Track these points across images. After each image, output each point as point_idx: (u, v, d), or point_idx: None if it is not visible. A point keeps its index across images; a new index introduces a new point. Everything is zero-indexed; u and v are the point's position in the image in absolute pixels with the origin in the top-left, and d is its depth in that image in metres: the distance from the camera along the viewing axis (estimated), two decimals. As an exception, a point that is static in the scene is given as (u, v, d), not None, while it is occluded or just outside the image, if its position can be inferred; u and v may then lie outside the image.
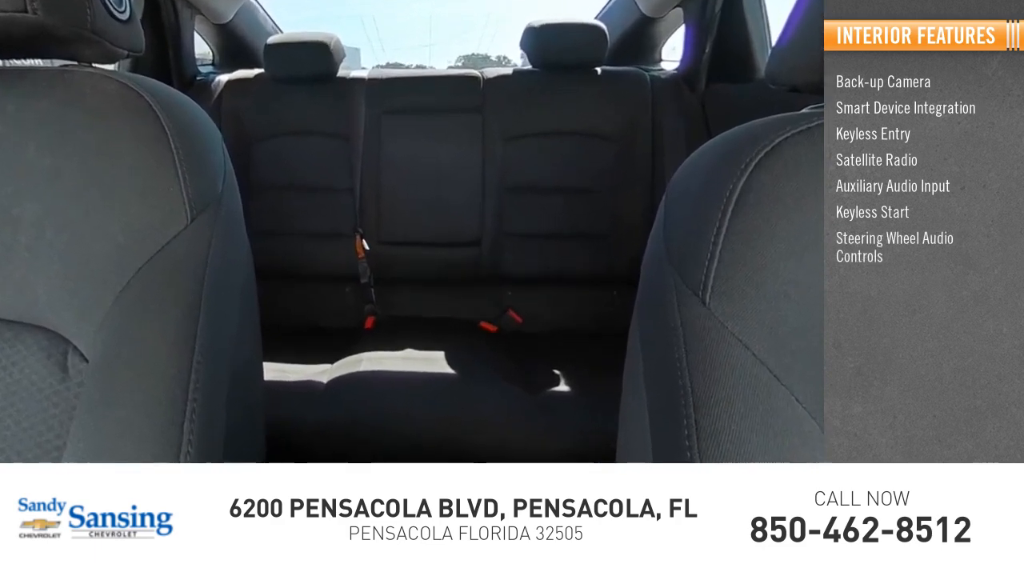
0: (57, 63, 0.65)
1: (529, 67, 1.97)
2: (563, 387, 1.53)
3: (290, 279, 1.95)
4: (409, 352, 1.67)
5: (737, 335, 0.44)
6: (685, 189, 0.54)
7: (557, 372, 1.60)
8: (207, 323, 0.57)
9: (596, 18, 2.04)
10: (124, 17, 0.66)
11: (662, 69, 2.08)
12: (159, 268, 0.57)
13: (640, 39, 2.14)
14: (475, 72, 1.98)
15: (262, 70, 1.99)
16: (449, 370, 1.58)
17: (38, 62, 0.70)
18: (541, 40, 1.86)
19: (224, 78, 2.02)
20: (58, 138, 0.58)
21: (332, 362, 1.63)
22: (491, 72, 1.97)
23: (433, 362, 1.61)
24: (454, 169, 1.90)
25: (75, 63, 0.66)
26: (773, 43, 0.98)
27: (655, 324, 0.51)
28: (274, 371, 1.54)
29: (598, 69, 1.91)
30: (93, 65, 0.66)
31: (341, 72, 1.98)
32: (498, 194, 1.90)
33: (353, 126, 1.93)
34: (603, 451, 1.26)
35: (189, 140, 0.61)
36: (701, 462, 0.42)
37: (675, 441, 0.45)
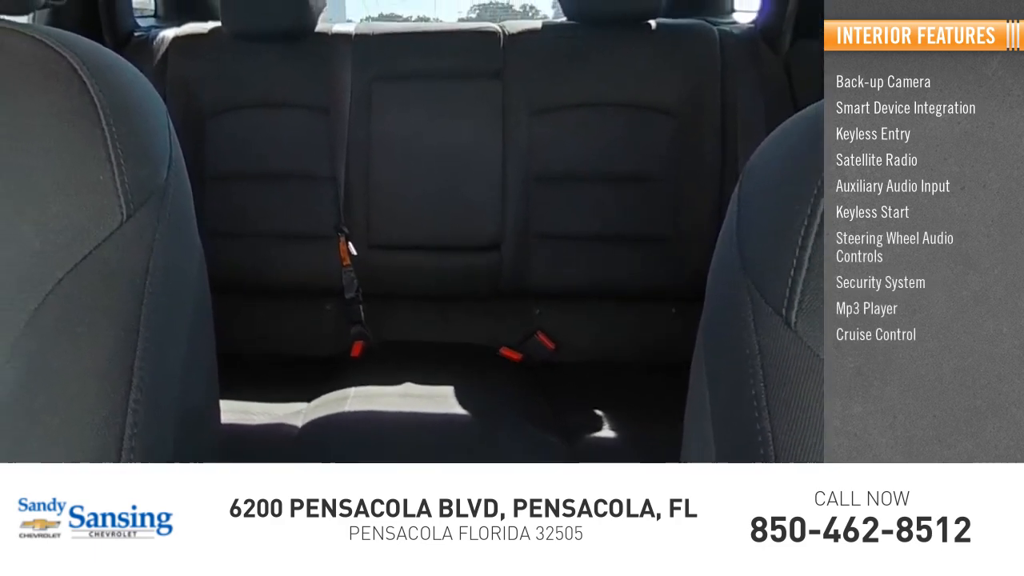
0: (-49, 13, 0.64)
1: (563, 20, 2.03)
2: (607, 432, 1.60)
3: (255, 294, 2.03)
4: (408, 387, 1.73)
5: None
6: (764, 178, 0.55)
7: (600, 413, 1.67)
8: (148, 350, 0.57)
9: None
10: None
11: (735, 23, 2.12)
12: (85, 280, 0.55)
13: (707, -16, 2.19)
14: (494, 26, 2.03)
15: (218, 24, 2.04)
16: (461, 411, 1.65)
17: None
18: None
19: (169, 34, 2.07)
20: None
21: (308, 400, 1.70)
22: (515, 27, 2.02)
23: (439, 401, 1.67)
24: (467, 152, 1.96)
25: None
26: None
27: (726, 352, 0.53)
28: (235, 412, 1.63)
29: (653, 23, 1.96)
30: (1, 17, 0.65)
31: (320, 27, 2.04)
32: (524, 184, 1.96)
33: (336, 96, 1.99)
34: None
35: (125, 114, 0.59)
36: None
37: None
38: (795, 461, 0.47)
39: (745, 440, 0.49)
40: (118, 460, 0.54)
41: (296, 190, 2.03)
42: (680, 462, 0.63)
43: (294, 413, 1.65)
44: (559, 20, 2.08)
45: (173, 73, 2.04)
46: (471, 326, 2.04)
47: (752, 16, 2.09)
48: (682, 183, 1.95)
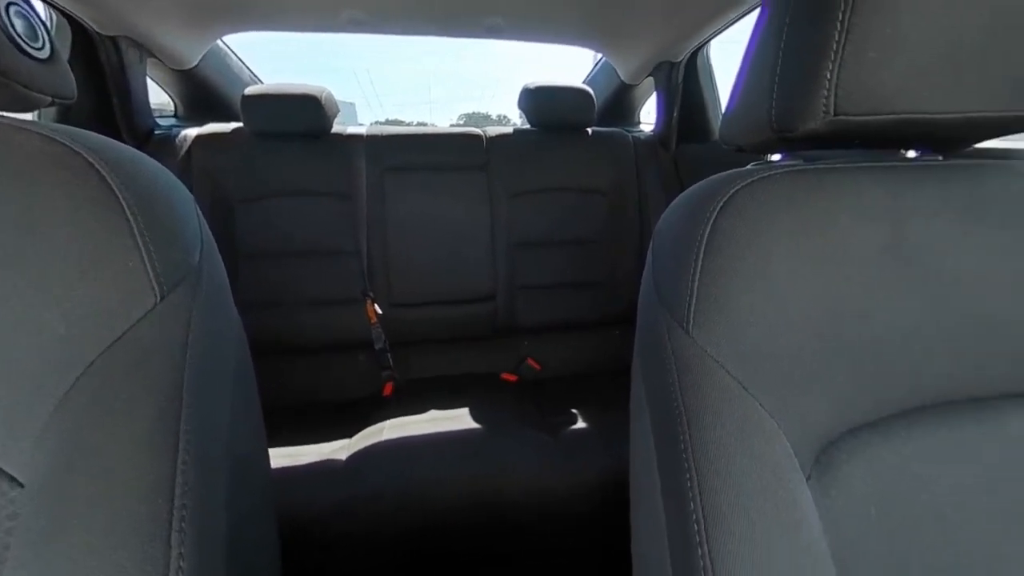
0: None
1: (528, 126, 1.94)
2: (581, 424, 1.52)
3: (296, 353, 1.72)
4: (433, 413, 1.55)
5: (715, 357, 0.49)
6: (665, 239, 0.58)
7: (575, 411, 1.59)
8: (192, 415, 0.47)
9: (583, 83, 2.06)
10: (42, 55, 0.52)
11: (641, 131, 2.14)
12: (121, 359, 0.45)
13: (621, 103, 2.21)
14: (478, 130, 1.89)
15: (239, 124, 1.71)
16: (475, 425, 1.49)
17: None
18: (537, 101, 1.85)
19: (192, 132, 1.70)
20: None
21: (351, 436, 1.46)
22: (493, 131, 1.90)
23: (458, 420, 1.51)
24: (464, 227, 1.81)
25: None
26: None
27: (652, 355, 0.56)
28: (286, 456, 1.35)
29: (589, 130, 1.94)
30: (3, 114, 0.51)
31: (336, 128, 1.78)
32: (507, 249, 1.85)
33: (354, 185, 1.74)
34: (622, 479, 1.28)
35: (151, 204, 0.49)
36: (695, 466, 0.48)
37: (674, 455, 0.50)
38: (699, 423, 0.49)
39: (667, 412, 0.52)
40: (169, 519, 0.43)
41: (326, 263, 1.73)
42: (629, 440, 0.64)
43: (339, 448, 1.40)
44: (525, 127, 1.96)
45: (198, 166, 1.65)
46: (476, 359, 1.87)
47: (650, 127, 2.12)
48: (614, 243, 1.92)
